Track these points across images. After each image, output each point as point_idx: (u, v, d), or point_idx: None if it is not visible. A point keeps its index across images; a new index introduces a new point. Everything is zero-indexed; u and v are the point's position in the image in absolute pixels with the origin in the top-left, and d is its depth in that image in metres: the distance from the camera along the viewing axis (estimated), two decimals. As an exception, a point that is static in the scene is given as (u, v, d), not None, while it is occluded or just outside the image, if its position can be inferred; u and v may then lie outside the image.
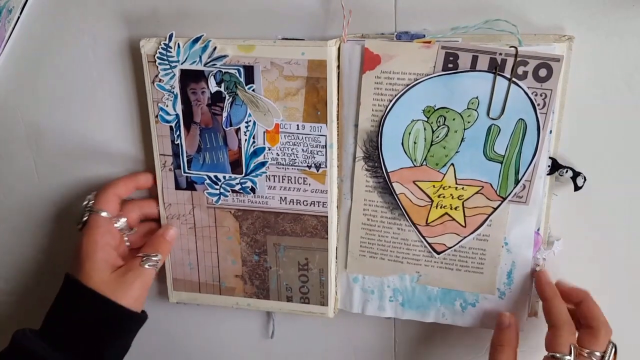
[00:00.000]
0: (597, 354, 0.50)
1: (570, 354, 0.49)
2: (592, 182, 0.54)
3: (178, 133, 0.58)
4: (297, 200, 0.58)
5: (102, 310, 0.54)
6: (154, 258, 0.57)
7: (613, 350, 0.51)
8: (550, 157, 0.54)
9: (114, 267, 0.56)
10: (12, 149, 0.63)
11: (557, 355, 0.50)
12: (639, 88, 0.52)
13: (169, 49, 0.55)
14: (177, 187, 0.60)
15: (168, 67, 0.55)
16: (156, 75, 0.56)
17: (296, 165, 0.57)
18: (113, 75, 0.60)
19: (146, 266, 0.56)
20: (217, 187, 0.59)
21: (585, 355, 0.50)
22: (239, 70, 0.54)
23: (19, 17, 0.58)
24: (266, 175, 0.58)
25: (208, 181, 0.59)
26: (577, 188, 0.55)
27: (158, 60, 0.55)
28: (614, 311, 0.58)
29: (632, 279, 0.58)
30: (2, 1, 0.55)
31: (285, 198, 0.58)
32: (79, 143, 0.62)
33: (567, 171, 0.54)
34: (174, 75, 0.56)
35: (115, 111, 0.61)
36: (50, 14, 0.59)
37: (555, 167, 0.54)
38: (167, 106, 0.57)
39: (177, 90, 0.56)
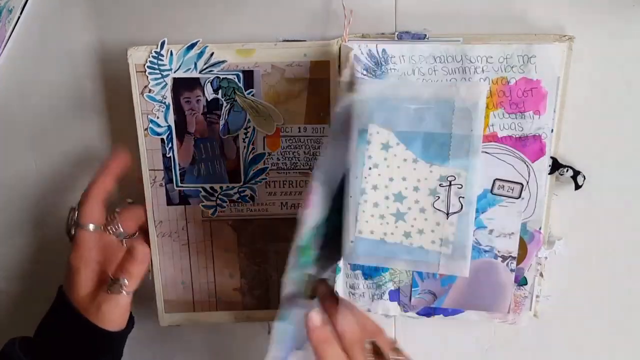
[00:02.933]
0: None
1: None
2: (592, 181, 0.55)
3: (170, 145, 0.55)
4: (299, 204, 0.57)
5: (81, 329, 0.52)
6: (120, 282, 0.53)
7: None
8: (550, 157, 0.54)
9: (99, 283, 0.54)
10: (12, 149, 0.61)
11: None
12: (638, 88, 0.53)
13: (160, 57, 0.52)
14: (169, 202, 0.57)
15: (159, 76, 0.53)
16: (145, 86, 0.53)
17: (298, 169, 0.56)
18: (111, 78, 0.58)
19: (108, 292, 0.52)
20: (214, 198, 0.57)
21: None
22: (237, 76, 0.53)
23: (19, 17, 0.57)
24: (266, 182, 0.56)
25: (204, 193, 0.57)
26: (577, 187, 0.55)
27: (148, 70, 0.53)
28: (614, 311, 0.60)
29: (632, 278, 0.59)
30: (2, 1, 0.53)
31: (287, 203, 0.57)
32: (79, 144, 0.60)
33: (567, 170, 0.55)
34: (166, 84, 0.53)
35: (112, 115, 0.59)
36: (51, 14, 0.57)
37: (555, 166, 0.55)
38: (157, 117, 0.54)
39: (169, 100, 0.54)
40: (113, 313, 0.52)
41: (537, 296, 0.58)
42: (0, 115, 0.60)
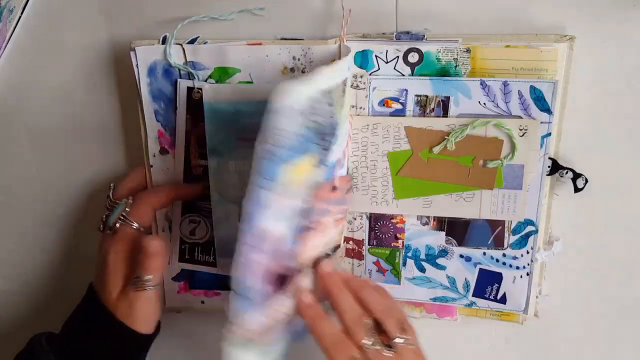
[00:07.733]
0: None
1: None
2: (592, 181, 0.55)
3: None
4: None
5: (115, 332, 0.52)
6: (141, 278, 0.52)
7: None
8: (550, 158, 0.54)
9: (128, 282, 0.54)
10: (12, 149, 0.62)
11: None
12: (639, 88, 0.53)
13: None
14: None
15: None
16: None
17: None
18: (113, 78, 0.59)
19: (132, 290, 0.52)
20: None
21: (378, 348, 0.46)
22: (236, 72, 0.54)
23: (20, 17, 0.57)
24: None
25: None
26: (577, 190, 0.55)
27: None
28: (614, 310, 0.59)
29: (632, 278, 0.58)
30: (3, 1, 0.54)
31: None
32: (80, 144, 0.61)
33: (567, 172, 0.54)
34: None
35: (114, 115, 0.60)
36: (51, 14, 0.58)
37: (555, 167, 0.54)
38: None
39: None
40: (144, 308, 0.53)
41: (537, 296, 0.58)
42: (0, 115, 0.61)
